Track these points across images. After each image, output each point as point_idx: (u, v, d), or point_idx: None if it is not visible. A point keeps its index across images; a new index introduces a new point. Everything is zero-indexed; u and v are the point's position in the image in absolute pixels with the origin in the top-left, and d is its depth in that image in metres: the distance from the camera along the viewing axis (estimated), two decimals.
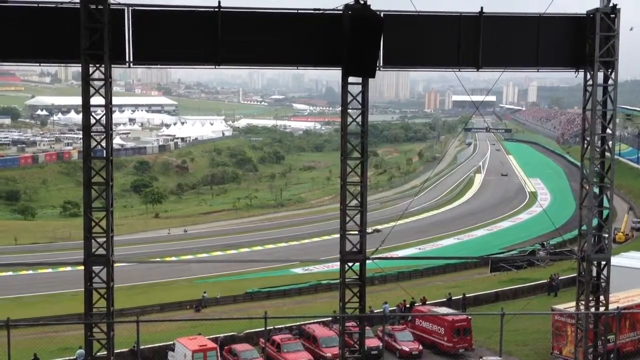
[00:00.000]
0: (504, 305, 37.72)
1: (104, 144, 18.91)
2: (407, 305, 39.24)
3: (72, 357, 29.71)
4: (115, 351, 19.41)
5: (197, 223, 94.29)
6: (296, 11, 19.56)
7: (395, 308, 38.95)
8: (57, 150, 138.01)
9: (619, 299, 28.83)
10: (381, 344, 29.07)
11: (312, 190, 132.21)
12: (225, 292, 51.46)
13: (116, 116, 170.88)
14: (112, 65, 18.76)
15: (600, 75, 20.62)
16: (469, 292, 43.63)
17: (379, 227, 68.45)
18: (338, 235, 20.46)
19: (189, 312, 46.81)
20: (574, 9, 21.61)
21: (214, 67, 19.75)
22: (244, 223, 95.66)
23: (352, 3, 18.97)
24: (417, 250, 69.35)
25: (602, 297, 21.42)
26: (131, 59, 19.08)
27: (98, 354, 18.96)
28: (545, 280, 45.88)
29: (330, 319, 32.78)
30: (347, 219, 20.00)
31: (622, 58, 20.62)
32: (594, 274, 21.41)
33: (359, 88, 19.62)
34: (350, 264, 20.15)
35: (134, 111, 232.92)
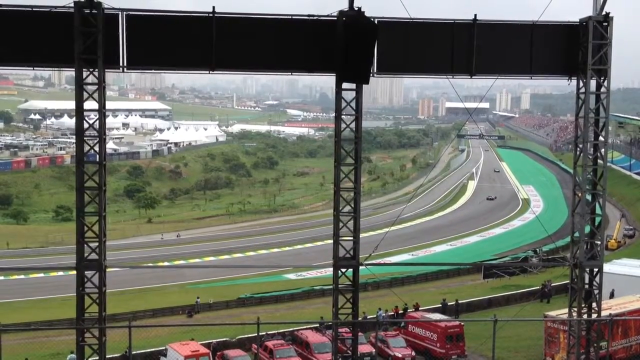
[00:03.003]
0: (496, 312, 37.86)
1: (97, 148, 18.86)
2: (400, 311, 39.25)
3: None
4: (107, 356, 19.35)
5: (190, 228, 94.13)
6: (290, 17, 19.60)
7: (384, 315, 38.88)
8: (50, 154, 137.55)
9: (611, 305, 28.92)
10: (374, 350, 29.08)
11: (305, 196, 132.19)
12: (217, 297, 51.33)
13: (109, 121, 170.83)
14: (106, 70, 18.74)
15: (592, 83, 20.72)
16: (461, 299, 43.66)
17: (371, 233, 68.40)
18: (331, 241, 20.45)
19: (181, 318, 46.65)
20: (567, 17, 21.72)
21: (208, 72, 19.76)
22: (237, 228, 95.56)
23: (346, 9, 19.03)
24: (410, 256, 69.40)
25: (594, 304, 21.47)
26: (125, 64, 19.06)
27: (90, 359, 18.88)
28: (538, 287, 45.94)
29: (323, 324, 32.71)
30: (341, 224, 20.00)
31: (615, 66, 20.75)
32: (587, 280, 21.47)
33: (352, 94, 19.65)
34: (343, 270, 20.14)
35: (127, 116, 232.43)
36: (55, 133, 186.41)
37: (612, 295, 34.73)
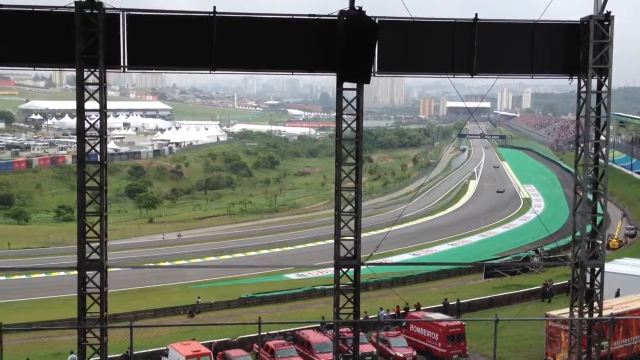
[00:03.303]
0: (498, 311, 37.91)
1: (98, 148, 18.87)
2: (402, 311, 39.24)
3: None
4: (109, 356, 19.34)
5: (191, 228, 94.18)
6: (291, 17, 19.60)
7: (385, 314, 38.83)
8: (51, 154, 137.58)
9: (613, 305, 28.90)
10: (375, 349, 29.08)
11: (306, 195, 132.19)
12: (219, 297, 51.35)
13: (110, 121, 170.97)
14: (107, 70, 18.75)
15: (594, 82, 20.71)
16: (463, 298, 43.64)
17: (372, 233, 68.37)
18: (332, 241, 20.45)
19: (182, 318, 46.67)
20: (568, 16, 21.71)
21: (209, 72, 19.75)
22: (238, 228, 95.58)
23: (347, 9, 19.02)
24: (412, 256, 69.36)
25: (595, 304, 21.45)
26: (126, 64, 19.06)
27: (91, 359, 18.88)
28: (539, 287, 45.94)
29: (324, 324, 32.72)
30: (342, 224, 19.99)
31: (616, 65, 20.73)
32: (588, 280, 21.46)
33: (353, 94, 19.65)
34: (344, 270, 20.14)
35: (128, 116, 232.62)
36: (56, 133, 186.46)
37: (617, 295, 34.71)
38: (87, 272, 18.75)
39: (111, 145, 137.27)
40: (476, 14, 20.17)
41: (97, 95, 18.54)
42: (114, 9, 18.55)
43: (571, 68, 20.96)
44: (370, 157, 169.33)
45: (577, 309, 21.59)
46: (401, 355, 31.01)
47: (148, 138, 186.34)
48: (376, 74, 20.00)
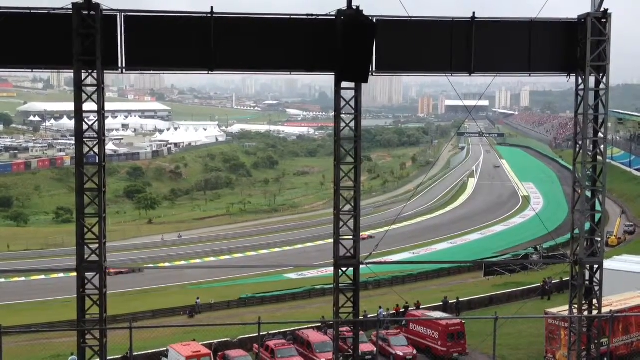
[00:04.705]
0: (497, 309, 37.94)
1: (96, 149, 18.88)
2: (401, 310, 39.24)
3: None
4: (108, 358, 19.35)
5: (190, 229, 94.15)
6: (289, 17, 19.61)
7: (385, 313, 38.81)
8: (50, 156, 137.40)
9: (612, 302, 28.91)
10: (375, 348, 29.09)
11: (305, 195, 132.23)
12: (219, 297, 51.34)
13: (109, 122, 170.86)
14: (105, 71, 18.75)
15: (591, 80, 20.74)
16: (462, 296, 43.65)
17: (372, 232, 68.45)
18: (332, 241, 20.46)
19: (182, 318, 46.66)
20: (565, 13, 21.72)
21: (207, 72, 19.77)
22: (237, 228, 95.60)
23: (344, 9, 19.03)
24: (411, 254, 69.39)
25: (595, 301, 21.47)
26: (124, 65, 19.07)
27: None
28: (539, 284, 45.94)
29: (324, 324, 32.71)
30: (341, 224, 20.01)
31: (614, 62, 20.74)
32: (587, 277, 21.48)
33: (352, 93, 19.67)
34: (344, 269, 20.15)
35: (127, 117, 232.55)
36: (54, 135, 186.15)
37: None
38: (87, 274, 18.74)
39: (110, 147, 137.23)
40: (474, 13, 20.19)
41: (95, 96, 18.54)
42: (112, 10, 18.56)
43: (569, 66, 20.99)
44: (369, 156, 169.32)
45: (576, 306, 21.62)
46: (401, 354, 31.00)
47: (147, 139, 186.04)
48: (374, 73, 20.01)
